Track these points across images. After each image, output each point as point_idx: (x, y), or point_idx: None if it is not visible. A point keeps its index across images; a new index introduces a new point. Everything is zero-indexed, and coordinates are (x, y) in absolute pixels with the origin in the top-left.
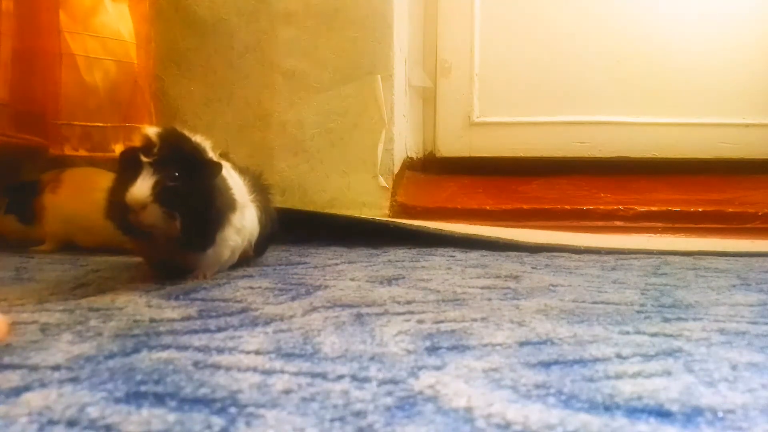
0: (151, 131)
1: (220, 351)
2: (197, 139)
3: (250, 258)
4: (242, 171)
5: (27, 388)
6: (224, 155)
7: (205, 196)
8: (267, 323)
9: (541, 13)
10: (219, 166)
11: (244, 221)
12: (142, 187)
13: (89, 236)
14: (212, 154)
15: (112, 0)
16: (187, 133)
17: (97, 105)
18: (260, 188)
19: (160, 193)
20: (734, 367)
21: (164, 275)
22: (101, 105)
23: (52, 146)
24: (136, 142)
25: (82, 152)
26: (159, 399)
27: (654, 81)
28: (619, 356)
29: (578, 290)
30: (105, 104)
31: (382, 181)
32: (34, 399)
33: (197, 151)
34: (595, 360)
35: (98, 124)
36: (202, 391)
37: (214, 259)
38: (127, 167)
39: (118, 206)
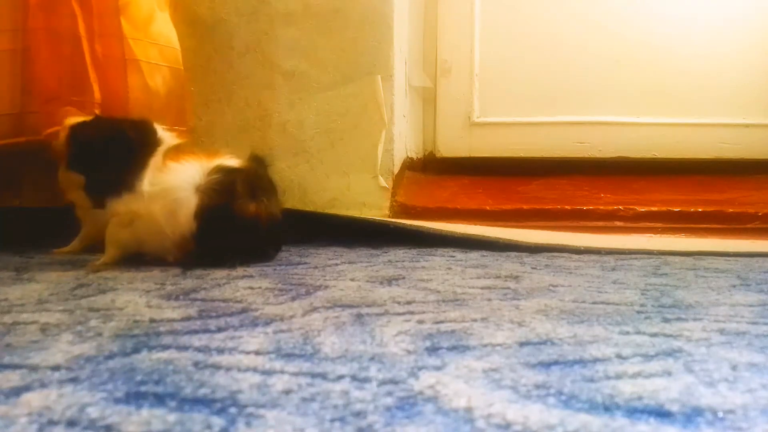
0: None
1: (220, 351)
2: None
3: (192, 258)
4: (219, 170)
5: (27, 388)
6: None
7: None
8: (267, 323)
9: (541, 13)
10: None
11: (147, 210)
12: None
13: None
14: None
15: (159, 8)
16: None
17: (159, 109)
18: (222, 191)
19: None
20: (734, 367)
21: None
22: (162, 109)
23: None
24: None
25: None
26: (159, 399)
27: (654, 81)
28: (619, 356)
29: (578, 290)
30: (165, 108)
31: (382, 182)
32: (34, 399)
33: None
34: (595, 360)
35: (162, 127)
36: (202, 391)
37: (109, 234)
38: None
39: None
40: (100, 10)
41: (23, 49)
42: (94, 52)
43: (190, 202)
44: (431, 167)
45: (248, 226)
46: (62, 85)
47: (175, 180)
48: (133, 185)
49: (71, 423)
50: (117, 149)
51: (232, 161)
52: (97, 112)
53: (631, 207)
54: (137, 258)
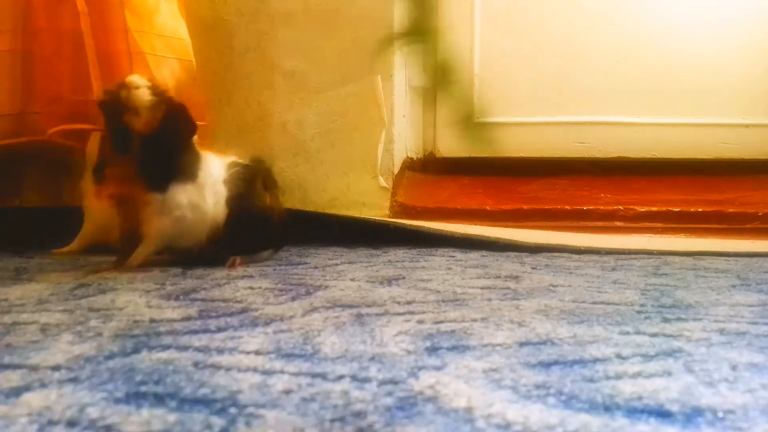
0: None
1: (220, 351)
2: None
3: (217, 245)
4: (236, 164)
5: (27, 388)
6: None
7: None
8: (267, 323)
9: (541, 13)
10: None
11: (202, 200)
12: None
13: None
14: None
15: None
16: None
17: None
18: (249, 181)
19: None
20: (734, 367)
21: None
22: None
23: None
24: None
25: None
26: (159, 399)
27: (654, 81)
28: (619, 356)
29: (578, 290)
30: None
31: (382, 182)
32: (34, 399)
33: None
34: (595, 360)
35: None
36: (202, 391)
37: (162, 224)
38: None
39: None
40: (104, 5)
41: (24, 50)
42: (98, 49)
43: (224, 192)
44: (431, 167)
45: (266, 216)
46: (64, 85)
47: (214, 170)
48: (195, 174)
49: (71, 423)
50: (185, 134)
51: (241, 159)
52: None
53: (631, 207)
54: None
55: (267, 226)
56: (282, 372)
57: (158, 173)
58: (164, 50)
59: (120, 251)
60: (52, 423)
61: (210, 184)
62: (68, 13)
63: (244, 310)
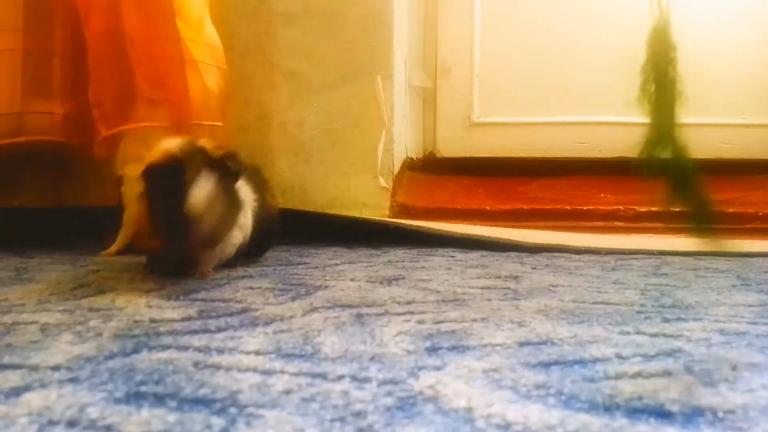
0: (173, 144)
1: (220, 351)
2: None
3: (242, 254)
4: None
5: (27, 388)
6: (230, 156)
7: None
8: (267, 323)
9: (541, 13)
10: (240, 173)
11: (246, 219)
12: (200, 196)
13: None
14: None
15: (206, 10)
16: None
17: (215, 107)
18: (260, 185)
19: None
20: (734, 368)
21: (166, 273)
22: (218, 107)
23: None
24: (157, 156)
25: None
26: (159, 399)
27: None
28: (619, 356)
29: (578, 290)
30: (218, 107)
31: (382, 182)
32: (34, 399)
33: (225, 160)
34: (595, 360)
35: (218, 124)
36: (202, 391)
37: (219, 255)
38: (158, 182)
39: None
40: (156, 13)
41: (64, 51)
42: (152, 55)
43: (250, 201)
44: (431, 167)
45: (274, 217)
46: (138, 85)
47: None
48: (239, 198)
49: (71, 423)
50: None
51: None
52: (169, 111)
53: (631, 207)
54: (137, 258)
55: (274, 228)
56: (282, 372)
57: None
58: (210, 58)
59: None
60: (52, 423)
61: (246, 200)
62: (130, 17)
63: (244, 310)
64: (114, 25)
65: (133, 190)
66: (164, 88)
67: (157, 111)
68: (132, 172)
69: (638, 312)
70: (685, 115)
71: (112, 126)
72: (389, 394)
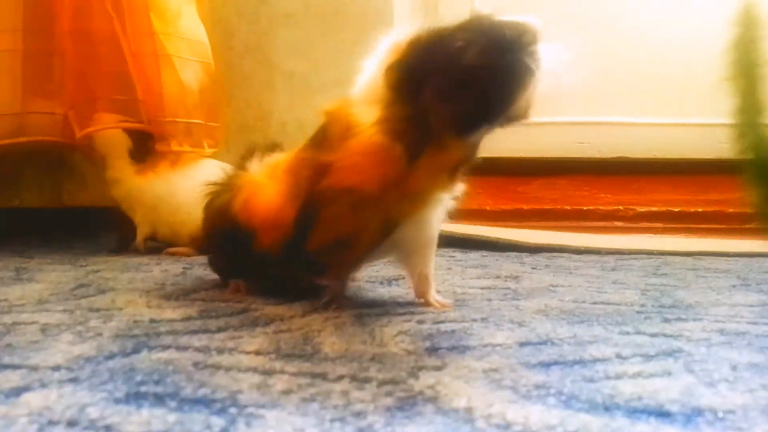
0: None
1: (220, 351)
2: None
3: None
4: None
5: (27, 388)
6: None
7: None
8: (267, 323)
9: (540, 13)
10: None
11: None
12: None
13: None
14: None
15: (186, 2)
16: None
17: (193, 103)
18: None
19: None
20: (734, 368)
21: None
22: (196, 103)
23: (158, 143)
24: None
25: (186, 148)
26: (159, 399)
27: (654, 81)
28: (619, 356)
29: (578, 290)
30: (198, 103)
31: None
32: (34, 399)
33: None
34: (595, 360)
35: (197, 121)
36: (202, 391)
37: None
38: None
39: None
40: (130, 9)
41: (49, 51)
42: (129, 51)
43: None
44: None
45: None
46: (101, 86)
47: None
48: None
49: (71, 423)
50: None
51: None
52: (139, 110)
53: (631, 207)
54: (137, 258)
55: None
56: (282, 372)
57: None
58: (188, 53)
59: None
60: (52, 423)
61: None
62: (100, 15)
63: (244, 310)
64: (80, 25)
65: (123, 191)
66: (133, 87)
67: (126, 111)
68: (116, 173)
69: (638, 312)
70: (685, 115)
71: (83, 127)
72: (389, 394)
